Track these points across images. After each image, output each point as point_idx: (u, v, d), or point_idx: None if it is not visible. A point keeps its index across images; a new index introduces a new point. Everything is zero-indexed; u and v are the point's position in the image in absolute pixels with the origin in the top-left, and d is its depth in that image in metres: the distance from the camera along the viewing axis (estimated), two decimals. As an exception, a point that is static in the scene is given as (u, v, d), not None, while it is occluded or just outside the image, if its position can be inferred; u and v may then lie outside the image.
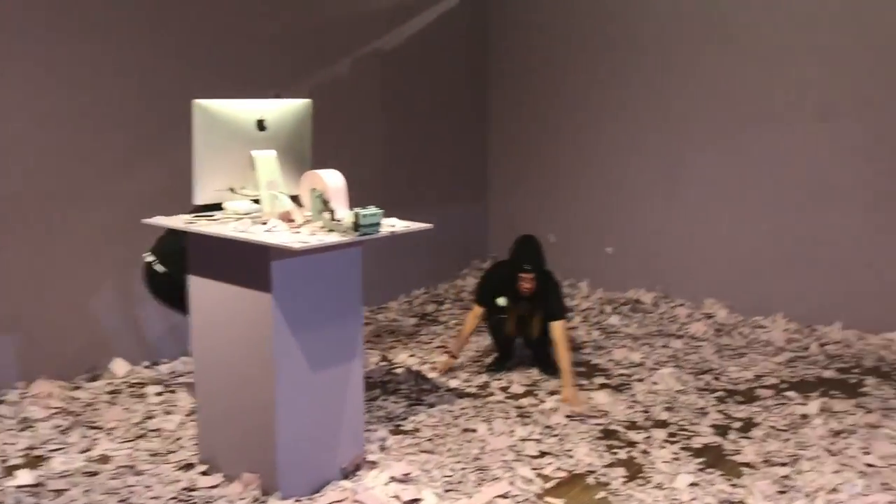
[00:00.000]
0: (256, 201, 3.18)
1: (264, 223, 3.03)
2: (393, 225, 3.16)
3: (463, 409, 4.01)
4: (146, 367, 4.49)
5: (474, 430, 3.75)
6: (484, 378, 4.43)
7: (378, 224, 2.99)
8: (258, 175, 3.13)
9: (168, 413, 3.89)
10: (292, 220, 3.11)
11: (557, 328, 4.27)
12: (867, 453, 3.51)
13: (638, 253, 5.96)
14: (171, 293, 3.79)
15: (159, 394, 4.12)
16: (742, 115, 5.36)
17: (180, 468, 3.34)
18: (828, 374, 4.50)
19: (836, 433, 3.72)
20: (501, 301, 4.39)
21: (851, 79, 4.95)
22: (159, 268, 3.79)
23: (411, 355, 4.78)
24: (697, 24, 5.48)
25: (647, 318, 5.52)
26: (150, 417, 3.84)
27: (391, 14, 5.72)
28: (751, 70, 5.29)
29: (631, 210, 5.96)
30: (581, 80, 6.08)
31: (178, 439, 3.61)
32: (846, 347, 4.90)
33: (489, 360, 4.66)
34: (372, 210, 2.96)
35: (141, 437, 3.64)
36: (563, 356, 4.20)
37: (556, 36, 6.19)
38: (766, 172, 5.32)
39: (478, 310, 4.47)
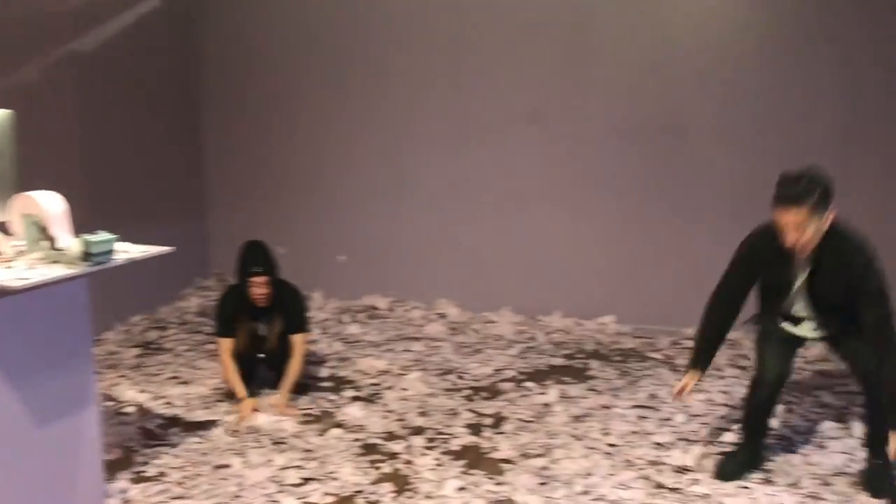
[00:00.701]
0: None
1: (-37, 259, 2.53)
2: (127, 251, 2.79)
3: (211, 444, 3.69)
4: None
5: (228, 466, 3.46)
6: (226, 407, 4.12)
7: (111, 251, 2.62)
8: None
9: None
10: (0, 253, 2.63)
11: (298, 341, 4.09)
12: (607, 433, 3.78)
13: (370, 259, 5.95)
14: None
15: None
16: (464, 119, 5.56)
17: None
18: (557, 361, 4.81)
19: (577, 418, 3.97)
20: (262, 330, 4.13)
21: (559, 85, 5.33)
22: None
23: (141, 391, 4.32)
24: (416, 28, 5.58)
25: (386, 323, 5.52)
26: None
27: (85, 13, 5.13)
28: (469, 76, 5.50)
29: (360, 217, 5.92)
30: (299, 85, 5.93)
31: None
32: (567, 334, 5.29)
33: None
34: (104, 236, 2.59)
35: None
36: (295, 368, 4.06)
37: (269, 38, 5.98)
38: (488, 174, 5.56)
39: (224, 343, 4.10)
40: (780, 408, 4.03)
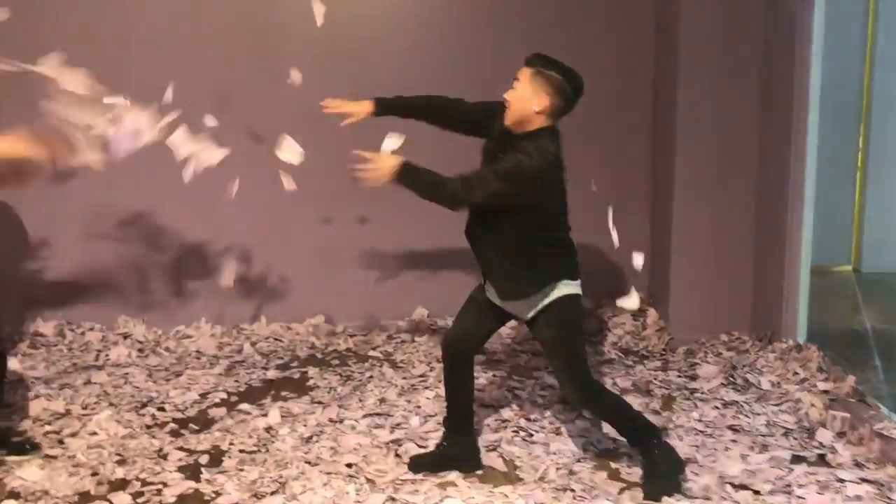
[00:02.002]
0: None
1: None
2: None
3: None
4: None
5: None
6: None
7: None
8: None
9: None
10: None
11: None
12: (343, 452, 3.42)
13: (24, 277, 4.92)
14: None
15: None
16: None
17: None
18: (271, 374, 4.34)
19: (307, 440, 3.55)
20: None
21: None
22: None
23: None
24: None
25: (55, 352, 4.59)
26: None
27: None
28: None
29: None
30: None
31: None
32: (277, 342, 4.82)
33: None
34: None
35: None
36: None
37: None
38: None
39: None
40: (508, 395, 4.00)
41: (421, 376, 4.26)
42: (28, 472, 3.22)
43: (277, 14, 4.78)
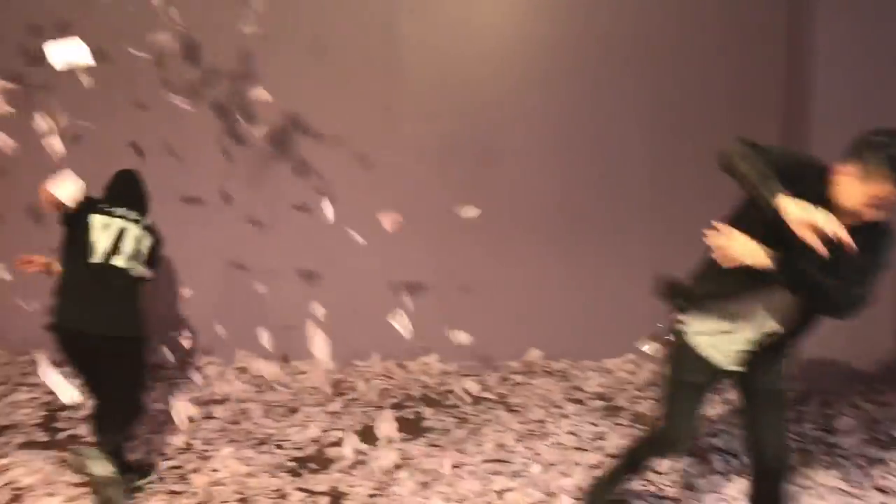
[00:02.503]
0: None
1: None
2: None
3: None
4: None
5: None
6: None
7: None
8: None
9: None
10: None
11: None
12: (462, 500, 3.32)
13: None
14: None
15: None
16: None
17: None
18: (385, 413, 4.28)
19: (425, 485, 3.47)
20: None
21: (368, 109, 4.84)
22: None
23: None
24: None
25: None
26: None
27: None
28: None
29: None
30: None
31: None
32: (390, 379, 4.78)
33: None
34: None
35: None
36: None
37: None
38: (287, 208, 4.92)
39: None
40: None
41: (538, 421, 4.13)
42: (153, 507, 3.26)
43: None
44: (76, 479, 3.44)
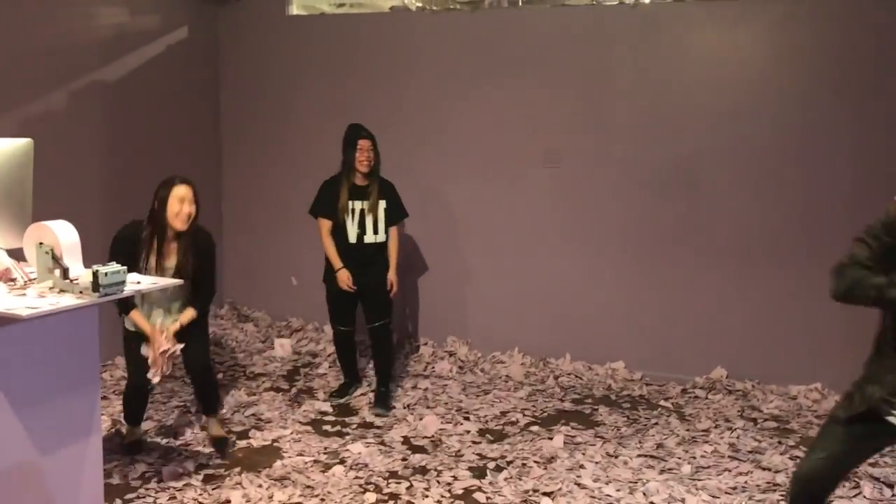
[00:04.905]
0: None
1: (-24, 285, 2.57)
2: (138, 282, 2.83)
3: (205, 469, 3.70)
4: None
5: (228, 502, 3.46)
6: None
7: (123, 282, 2.65)
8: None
9: None
10: (13, 280, 2.67)
11: (394, 232, 4.75)
12: (609, 482, 3.74)
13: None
14: None
15: None
16: (481, 159, 5.58)
17: None
18: (565, 405, 4.77)
19: (581, 465, 3.93)
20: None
21: (575, 129, 5.36)
22: None
23: (146, 418, 4.33)
24: (434, 64, 5.65)
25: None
26: None
27: (112, 43, 5.25)
28: (485, 117, 5.54)
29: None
30: (312, 109, 5.99)
31: None
32: (577, 378, 5.25)
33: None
34: (114, 267, 2.62)
35: None
36: (394, 254, 4.76)
37: (283, 57, 6.09)
38: (504, 215, 5.57)
39: (324, 223, 4.67)
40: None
41: (704, 431, 4.39)
42: (356, 447, 4.04)
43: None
44: (301, 417, 4.35)
